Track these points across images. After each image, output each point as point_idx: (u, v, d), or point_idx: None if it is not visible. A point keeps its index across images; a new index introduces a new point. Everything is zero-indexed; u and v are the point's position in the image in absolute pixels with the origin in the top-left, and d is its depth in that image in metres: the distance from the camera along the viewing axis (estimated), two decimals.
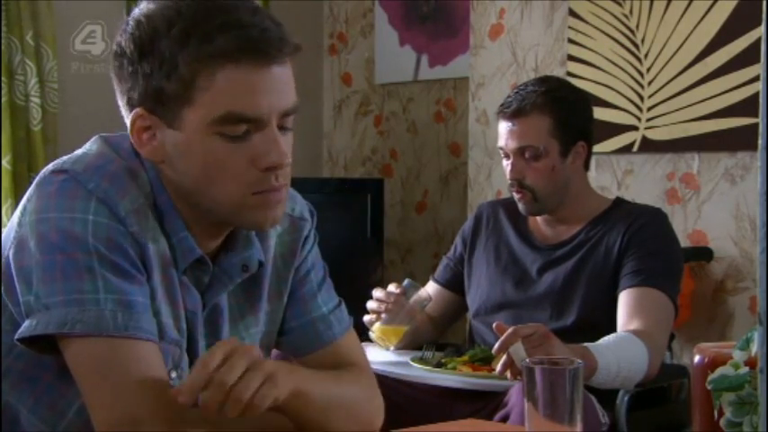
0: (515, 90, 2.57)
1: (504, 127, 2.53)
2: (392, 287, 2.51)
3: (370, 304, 2.50)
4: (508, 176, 2.53)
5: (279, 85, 1.36)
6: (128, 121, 1.39)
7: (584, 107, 2.59)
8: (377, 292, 2.51)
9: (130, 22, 1.37)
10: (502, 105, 2.56)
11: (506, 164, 2.55)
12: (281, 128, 1.38)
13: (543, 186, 2.51)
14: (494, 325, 2.09)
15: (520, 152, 2.50)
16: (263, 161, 1.36)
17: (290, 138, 1.40)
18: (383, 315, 2.49)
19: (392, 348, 2.53)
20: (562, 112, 2.51)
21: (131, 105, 1.38)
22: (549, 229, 2.60)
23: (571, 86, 2.67)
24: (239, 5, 1.35)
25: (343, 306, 1.67)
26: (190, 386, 1.23)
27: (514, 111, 2.50)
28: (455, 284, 2.73)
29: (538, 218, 2.63)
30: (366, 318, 2.51)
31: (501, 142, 2.54)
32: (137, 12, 1.38)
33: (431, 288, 2.75)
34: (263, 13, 1.36)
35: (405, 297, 2.50)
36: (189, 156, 1.37)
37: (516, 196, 2.54)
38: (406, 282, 2.54)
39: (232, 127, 1.34)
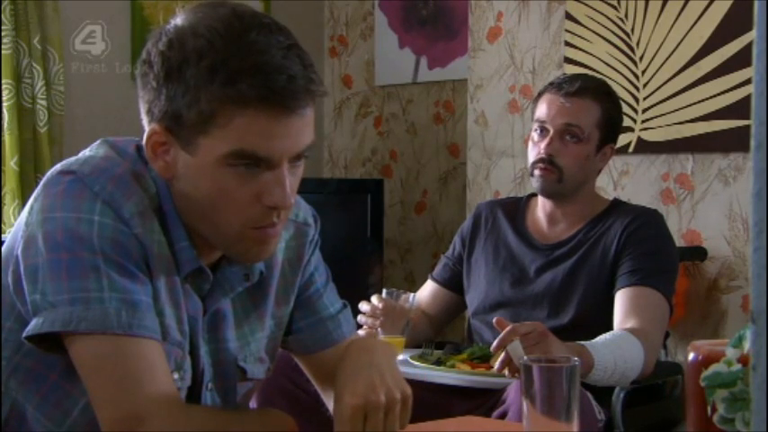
0: (564, 75, 2.58)
1: (553, 102, 2.50)
2: (375, 300, 2.48)
3: (362, 319, 2.47)
4: (542, 151, 2.49)
5: (296, 130, 1.35)
6: (145, 128, 1.40)
7: (622, 114, 2.62)
8: (363, 306, 2.47)
9: (163, 37, 1.36)
10: (552, 84, 2.55)
11: (538, 140, 2.51)
12: (293, 163, 1.38)
13: (573, 171, 2.49)
14: (494, 320, 2.10)
15: (563, 130, 2.48)
16: (268, 199, 1.36)
17: (300, 170, 1.40)
18: (379, 329, 2.45)
19: (400, 358, 2.42)
20: (611, 109, 2.54)
21: (150, 117, 1.38)
22: (549, 229, 2.60)
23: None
24: (271, 44, 1.32)
25: (349, 309, 1.69)
26: None
27: (574, 89, 2.49)
28: (453, 283, 2.72)
29: (540, 217, 2.62)
30: (360, 333, 2.41)
31: (543, 115, 2.51)
32: (171, 27, 1.37)
33: (429, 287, 2.75)
34: (294, 55, 1.34)
35: (391, 303, 2.47)
36: (198, 180, 1.37)
37: (539, 172, 2.50)
38: (384, 292, 2.51)
39: (243, 162, 1.34)
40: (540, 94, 2.59)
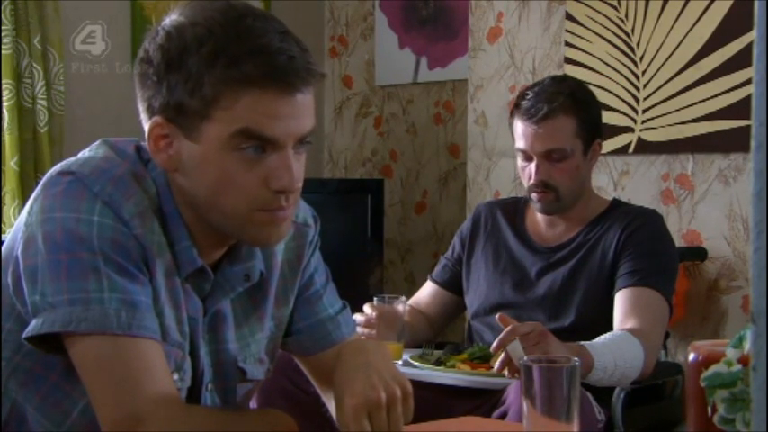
0: (532, 91, 2.51)
1: (526, 130, 2.47)
2: (367, 309, 2.46)
3: (358, 330, 2.39)
4: (533, 179, 2.48)
5: (299, 112, 1.36)
6: (146, 126, 1.40)
7: (598, 105, 2.59)
8: (357, 317, 2.42)
9: (161, 32, 1.37)
10: (520, 108, 2.50)
11: (525, 165, 2.50)
12: (297, 148, 1.39)
13: (568, 186, 2.49)
14: (497, 316, 2.11)
15: (546, 155, 2.47)
16: (275, 183, 1.36)
17: (303, 158, 1.41)
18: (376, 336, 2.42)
19: (400, 362, 2.44)
20: (584, 112, 2.50)
21: (151, 112, 1.38)
22: (549, 231, 2.60)
23: (586, 86, 2.64)
24: (269, 29, 1.35)
25: (348, 309, 1.69)
26: None
27: (542, 115, 2.45)
28: (453, 285, 2.72)
29: (539, 219, 2.61)
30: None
31: (522, 145, 2.49)
32: (168, 22, 1.38)
33: (428, 288, 2.75)
34: (291, 39, 1.36)
35: (384, 307, 2.47)
36: (203, 168, 1.37)
37: (536, 197, 2.50)
38: (376, 299, 2.50)
39: (249, 145, 1.35)
40: (512, 114, 2.54)
